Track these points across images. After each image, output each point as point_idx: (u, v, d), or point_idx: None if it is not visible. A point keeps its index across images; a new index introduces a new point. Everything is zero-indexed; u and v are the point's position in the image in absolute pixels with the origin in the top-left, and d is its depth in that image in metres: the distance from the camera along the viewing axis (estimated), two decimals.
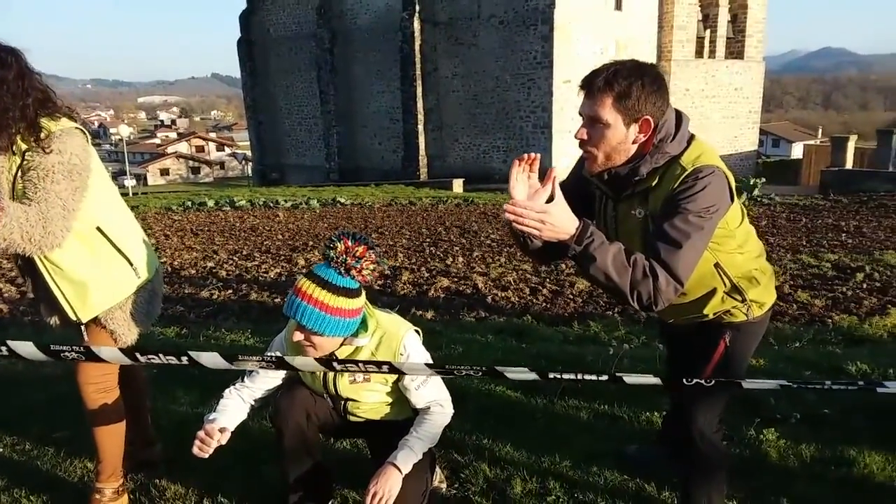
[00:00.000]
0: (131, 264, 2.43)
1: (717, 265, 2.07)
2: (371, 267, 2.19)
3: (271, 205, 16.93)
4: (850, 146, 20.27)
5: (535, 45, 25.79)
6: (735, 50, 30.45)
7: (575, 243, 1.79)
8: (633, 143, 1.92)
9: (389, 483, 2.24)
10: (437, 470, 2.78)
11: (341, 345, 2.25)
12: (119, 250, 2.39)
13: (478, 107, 28.05)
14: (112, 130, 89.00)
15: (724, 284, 2.10)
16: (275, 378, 2.41)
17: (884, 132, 20.92)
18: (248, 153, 45.03)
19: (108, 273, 2.38)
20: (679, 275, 1.83)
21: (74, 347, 2.19)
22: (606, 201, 2.11)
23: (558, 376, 2.05)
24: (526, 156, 1.85)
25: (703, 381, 1.97)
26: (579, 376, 2.04)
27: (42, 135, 2.14)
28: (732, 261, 2.09)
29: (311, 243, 10.44)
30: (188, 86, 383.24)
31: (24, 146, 2.15)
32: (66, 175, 2.16)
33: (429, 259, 8.69)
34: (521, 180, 1.84)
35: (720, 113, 29.98)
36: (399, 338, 2.30)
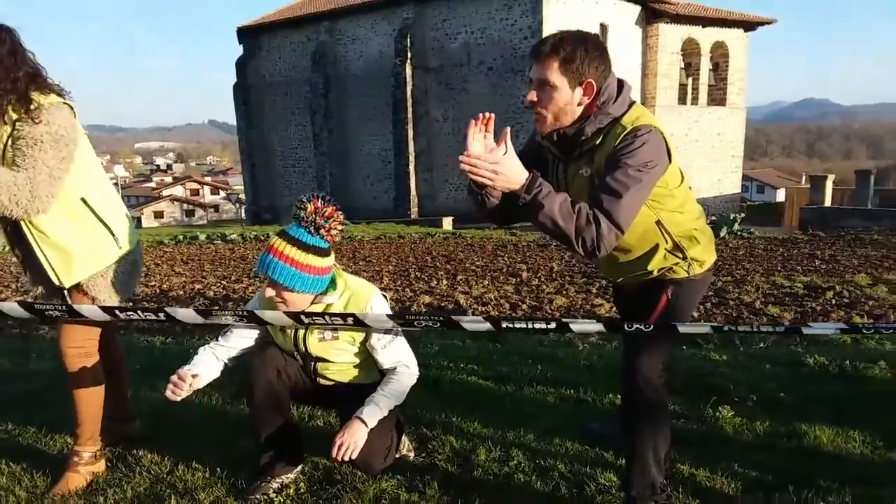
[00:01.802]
0: (113, 235, 2.58)
1: (658, 223, 2.24)
2: (339, 227, 2.36)
3: (262, 238, 17.08)
4: (829, 185, 20.74)
5: (522, 90, 26.42)
6: (717, 97, 31.27)
7: (525, 192, 1.97)
8: (579, 104, 2.11)
9: (355, 436, 2.36)
10: (406, 440, 2.89)
11: (312, 303, 2.40)
12: (102, 221, 2.55)
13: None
14: (109, 175, 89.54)
15: (666, 242, 2.27)
16: (248, 338, 2.55)
17: (862, 172, 21.46)
18: (242, 195, 45.36)
19: (91, 242, 2.53)
20: (619, 222, 2.01)
21: (57, 305, 2.36)
22: (557, 164, 2.30)
23: (511, 325, 2.22)
24: (481, 115, 2.03)
25: (642, 327, 2.14)
26: (530, 325, 2.21)
27: (32, 106, 2.32)
28: (673, 219, 2.26)
29: None
30: (185, 132, 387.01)
31: (14, 116, 2.32)
32: (54, 144, 2.33)
33: (413, 282, 8.84)
34: (478, 139, 2.02)
35: (703, 157, 30.61)
36: (367, 297, 2.45)
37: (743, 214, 15.89)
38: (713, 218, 15.71)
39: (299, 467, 2.66)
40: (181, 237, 18.26)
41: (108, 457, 2.84)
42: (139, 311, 2.37)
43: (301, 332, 2.46)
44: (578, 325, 2.20)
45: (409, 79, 29.13)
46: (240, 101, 37.77)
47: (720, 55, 30.84)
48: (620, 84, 2.18)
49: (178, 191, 76.58)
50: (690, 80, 30.69)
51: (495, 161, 1.95)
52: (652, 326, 2.14)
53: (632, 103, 2.18)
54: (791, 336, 3.53)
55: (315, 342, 2.47)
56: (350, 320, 2.29)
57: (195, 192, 77.71)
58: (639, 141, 2.05)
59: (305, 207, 2.32)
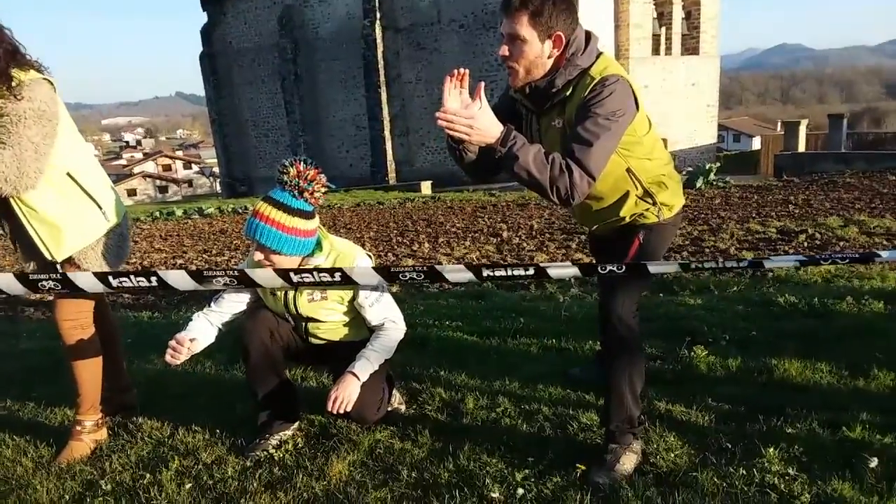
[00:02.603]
0: (100, 208, 2.63)
1: (628, 170, 2.33)
2: (322, 190, 2.43)
3: (240, 210, 17.00)
4: (802, 131, 21.00)
5: (495, 47, 26.14)
6: (690, 46, 31.22)
7: (500, 146, 2.05)
8: (549, 57, 2.18)
9: (349, 389, 2.47)
10: (397, 394, 3.02)
11: (299, 265, 2.48)
12: (89, 195, 2.59)
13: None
14: None
15: (636, 188, 2.37)
16: (240, 302, 2.63)
17: (835, 116, 21.73)
18: (216, 168, 44.81)
19: (79, 215, 2.57)
20: (591, 170, 2.09)
21: (51, 276, 2.41)
22: (531, 117, 2.37)
23: (492, 273, 2.32)
24: (456, 71, 2.09)
25: (614, 268, 2.25)
26: (509, 271, 2.31)
27: (13, 83, 2.34)
28: (642, 166, 2.35)
29: None
30: (152, 106, 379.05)
31: None
32: (37, 120, 2.36)
33: (395, 247, 8.92)
34: (454, 95, 2.08)
35: (678, 108, 30.67)
36: (352, 257, 2.53)
37: (718, 164, 16.08)
38: (689, 169, 15.87)
39: (296, 424, 2.78)
40: (157, 214, 18.12)
41: (109, 425, 2.93)
42: (131, 277, 2.43)
43: (291, 294, 2.55)
44: (555, 270, 2.30)
45: (379, 40, 28.70)
46: (207, 70, 37.01)
47: (692, 3, 30.71)
48: (588, 36, 2.24)
49: (150, 167, 75.28)
50: (663, 29, 30.58)
51: (470, 116, 2.03)
52: (624, 267, 2.24)
53: (599, 54, 2.24)
54: (755, 271, 3.67)
55: (305, 303, 2.56)
56: (338, 276, 2.37)
57: (167, 168, 76.45)
58: (607, 90, 2.12)
59: (288, 171, 2.38)
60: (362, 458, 2.55)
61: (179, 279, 2.37)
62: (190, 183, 70.31)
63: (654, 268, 2.26)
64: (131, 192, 66.22)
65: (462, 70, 2.09)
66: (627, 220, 2.43)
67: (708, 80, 31.84)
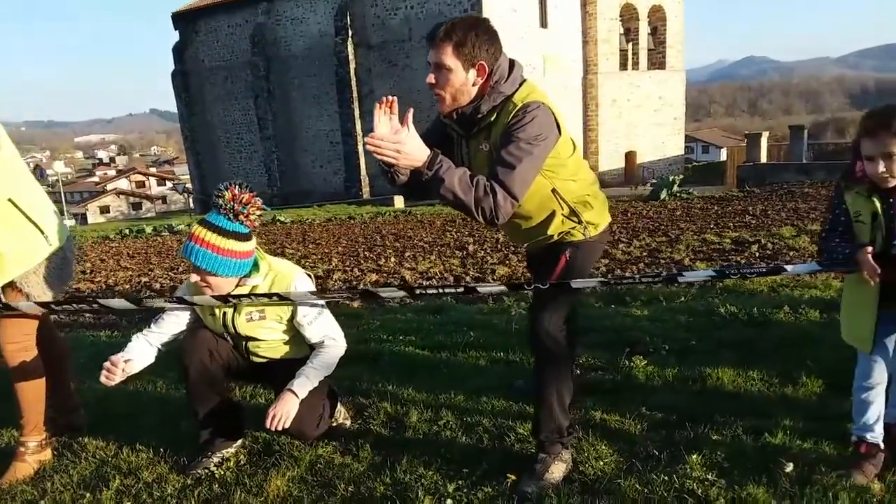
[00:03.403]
0: (42, 233, 2.67)
1: (554, 191, 2.44)
2: (258, 213, 2.50)
3: None
4: (764, 142, 21.50)
5: None
6: (657, 61, 31.87)
7: (427, 169, 2.15)
8: (473, 85, 2.28)
9: (287, 406, 2.53)
10: (342, 409, 3.08)
11: (237, 286, 2.54)
12: (31, 220, 2.63)
13: (415, 124, 28.50)
14: (49, 171, 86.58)
15: (562, 208, 2.47)
16: (179, 323, 2.68)
17: (795, 128, 22.26)
18: (189, 185, 44.52)
19: (21, 241, 2.61)
20: (514, 191, 2.19)
21: None
22: (461, 141, 2.47)
23: (423, 291, 2.41)
24: (384, 99, 2.19)
25: (539, 285, 2.35)
26: (441, 290, 2.40)
27: None
28: (567, 187, 2.46)
29: None
30: (126, 123, 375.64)
31: None
32: None
33: (362, 261, 8.98)
34: (384, 121, 2.18)
35: (646, 121, 31.26)
36: (291, 277, 2.60)
37: (682, 176, 16.41)
38: (654, 181, 16.15)
39: (240, 441, 2.82)
40: (127, 231, 17.97)
41: (54, 445, 2.95)
42: (73, 304, 2.48)
43: (229, 313, 2.60)
44: (484, 288, 2.40)
45: (351, 57, 28.89)
46: (179, 88, 36.93)
47: (658, 19, 31.37)
48: (512, 64, 2.35)
49: (123, 184, 74.55)
50: (630, 45, 31.21)
51: (398, 141, 2.12)
52: (548, 284, 2.34)
53: (523, 81, 2.35)
54: (670, 284, 3.80)
55: (243, 323, 2.61)
56: (275, 298, 2.44)
57: (141, 185, 75.75)
58: (528, 116, 2.23)
59: (223, 195, 2.45)
60: (302, 473, 2.61)
61: (119, 304, 2.43)
62: (164, 199, 69.70)
63: (577, 283, 2.36)
64: (104, 210, 65.47)
65: (390, 98, 2.18)
66: (555, 238, 2.53)
67: (674, 93, 32.49)
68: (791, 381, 3.16)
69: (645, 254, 7.68)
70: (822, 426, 2.65)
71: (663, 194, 14.25)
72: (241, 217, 2.46)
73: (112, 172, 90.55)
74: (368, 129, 27.31)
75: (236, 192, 2.45)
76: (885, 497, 2.16)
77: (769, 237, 7.89)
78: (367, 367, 3.77)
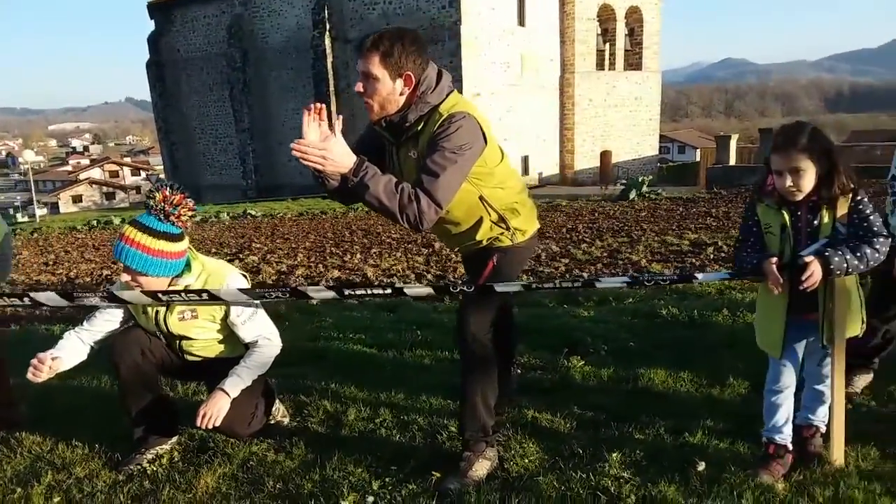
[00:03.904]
0: None
1: (481, 198, 2.50)
2: (189, 214, 2.53)
3: None
4: (733, 144, 21.82)
5: (443, 59, 26.51)
6: (634, 61, 32.14)
7: (353, 176, 2.19)
8: (401, 94, 2.33)
9: (218, 405, 2.57)
10: (280, 407, 3.12)
11: (169, 285, 2.57)
12: None
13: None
14: (20, 159, 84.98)
15: (490, 215, 2.54)
16: (112, 321, 2.70)
17: (766, 130, 22.63)
18: (163, 176, 44.07)
19: None
20: (438, 199, 2.25)
21: None
22: (391, 148, 2.52)
23: (352, 292, 2.46)
24: (313, 106, 2.23)
25: (464, 287, 2.41)
26: (369, 291, 2.45)
27: None
28: (495, 194, 2.52)
29: (213, 250, 10.55)
30: (101, 111, 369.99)
31: None
32: None
33: (328, 257, 9.00)
34: (313, 127, 2.22)
35: (622, 121, 31.54)
36: (223, 277, 2.63)
37: (650, 177, 16.64)
38: (624, 182, 16.33)
39: (174, 438, 2.85)
40: (95, 222, 17.76)
41: None
42: (4, 297, 2.49)
43: (161, 312, 2.63)
44: (411, 290, 2.45)
45: (328, 51, 28.77)
46: (154, 78, 36.53)
47: (635, 20, 31.62)
48: (439, 74, 2.41)
49: (97, 173, 73.41)
50: (607, 45, 31.43)
51: (324, 148, 2.16)
52: (473, 287, 2.41)
53: (450, 91, 2.41)
54: (585, 289, 3.90)
55: (175, 321, 2.64)
56: (205, 296, 2.47)
57: (115, 175, 74.64)
58: (454, 126, 2.28)
59: (155, 196, 2.48)
60: (234, 470, 2.65)
61: (50, 299, 2.45)
62: (138, 190, 68.72)
63: (500, 288, 2.42)
64: (77, 199, 64.42)
65: (319, 104, 2.23)
66: (484, 243, 2.60)
67: (650, 94, 32.80)
68: (719, 381, 3.27)
69: (605, 254, 7.80)
70: (740, 427, 2.75)
71: (632, 195, 14.43)
72: (173, 218, 2.49)
73: (86, 161, 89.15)
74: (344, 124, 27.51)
75: (167, 193, 2.48)
76: (787, 496, 2.26)
77: (726, 239, 8.05)
78: (313, 364, 3.82)
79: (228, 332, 2.74)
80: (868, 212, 2.20)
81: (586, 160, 31.10)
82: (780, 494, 2.27)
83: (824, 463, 2.44)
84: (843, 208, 2.21)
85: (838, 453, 2.44)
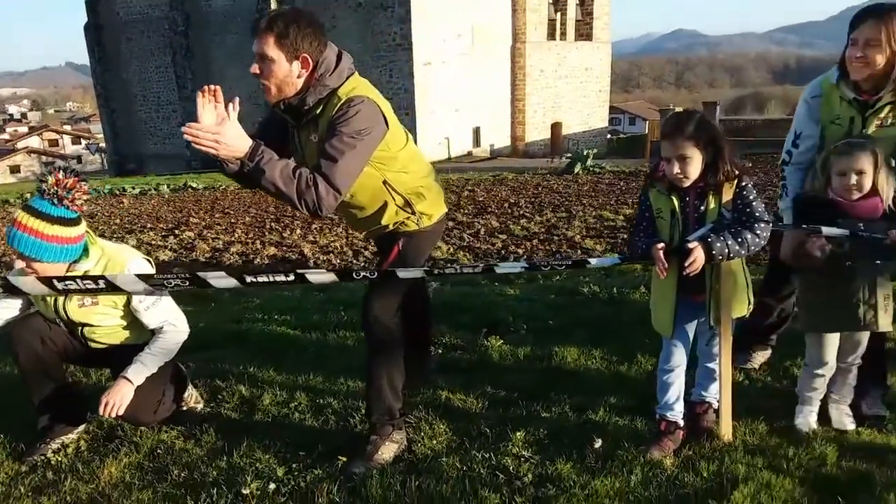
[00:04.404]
0: None
1: (385, 182, 2.50)
2: (84, 197, 2.46)
3: (117, 192, 16.32)
4: None
5: (393, 27, 26.14)
6: (584, 32, 32.22)
7: (248, 160, 2.16)
8: (298, 77, 2.30)
9: (121, 393, 2.54)
10: (194, 392, 3.10)
11: (67, 271, 2.51)
12: None
13: None
14: None
15: (395, 199, 2.54)
16: (10, 308, 2.63)
17: (709, 104, 23.07)
18: (104, 145, 42.54)
19: None
20: (337, 184, 2.24)
21: None
22: (293, 131, 2.49)
23: (255, 279, 2.44)
24: (207, 88, 2.18)
25: (367, 273, 2.42)
26: (271, 277, 2.44)
27: None
28: (399, 179, 2.53)
29: (149, 225, 10.29)
30: (40, 77, 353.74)
31: None
32: None
33: (267, 233, 8.87)
34: (209, 109, 2.17)
35: (573, 92, 31.70)
36: (123, 262, 2.58)
37: (596, 150, 16.84)
38: (569, 156, 16.48)
39: (81, 427, 2.81)
40: (29, 195, 17.06)
41: None
42: None
43: (60, 299, 2.57)
44: (314, 276, 2.43)
45: None
46: (93, 42, 35.05)
47: None
48: (339, 57, 2.38)
49: (35, 142, 70.30)
50: (559, 15, 31.37)
51: (216, 132, 2.12)
52: (375, 273, 2.42)
53: (350, 74, 2.39)
54: (486, 275, 3.98)
55: (75, 308, 2.59)
56: (102, 283, 2.42)
57: (54, 143, 71.62)
58: (352, 110, 2.27)
59: (47, 180, 2.40)
60: (140, 459, 2.63)
61: None
62: (79, 159, 66.18)
63: (402, 273, 2.44)
64: (14, 169, 61.68)
65: (213, 86, 2.18)
66: (391, 227, 2.61)
67: (600, 65, 33.00)
68: (628, 359, 3.38)
69: (543, 230, 7.90)
70: (642, 403, 2.85)
71: (577, 168, 14.59)
72: (66, 202, 2.41)
73: (24, 129, 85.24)
74: None
75: (60, 176, 2.40)
76: (674, 471, 2.37)
77: None
78: (233, 348, 3.80)
79: (132, 319, 2.69)
80: (751, 198, 2.28)
81: (537, 132, 31.21)
82: (668, 469, 2.38)
83: (714, 438, 2.56)
84: (728, 194, 2.29)
85: (726, 429, 2.56)
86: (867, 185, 2.36)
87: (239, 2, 29.26)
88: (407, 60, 26.18)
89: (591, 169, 14.67)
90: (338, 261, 6.88)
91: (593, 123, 32.91)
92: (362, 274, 2.44)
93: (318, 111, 2.35)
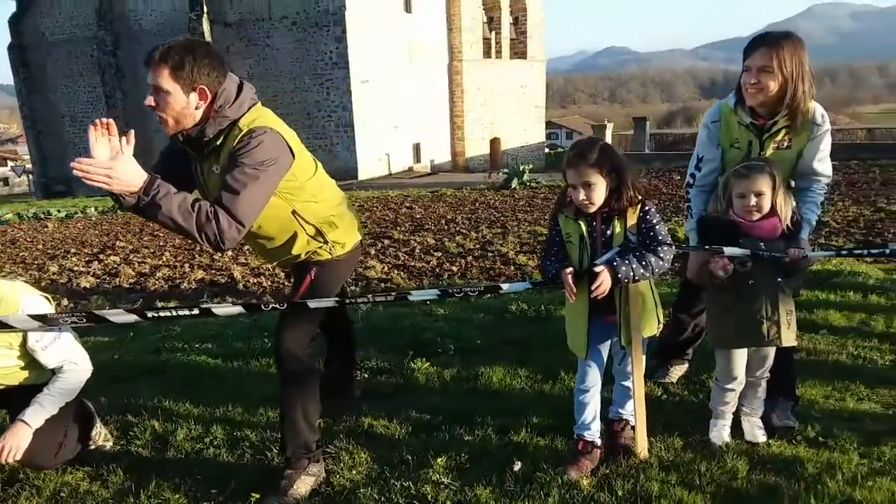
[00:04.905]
0: None
1: (294, 213, 2.45)
2: None
3: (42, 216, 15.64)
4: (608, 133, 22.86)
5: (329, 45, 26.01)
6: (519, 50, 32.79)
7: (143, 194, 2.08)
8: (196, 108, 2.24)
9: (17, 437, 2.40)
10: (103, 430, 2.96)
11: None
12: None
13: (278, 107, 26.85)
14: None
15: (306, 229, 2.49)
16: None
17: (639, 119, 23.83)
18: (31, 167, 40.80)
19: None
20: (239, 216, 2.18)
21: None
22: (195, 162, 2.42)
23: (157, 314, 2.35)
24: (99, 121, 2.09)
25: (276, 305, 2.36)
26: (174, 312, 2.35)
27: None
28: (309, 209, 2.48)
29: (73, 250, 9.88)
30: None
31: None
32: None
33: (197, 255, 8.63)
34: (102, 143, 2.07)
35: (510, 109, 32.16)
36: (16, 301, 2.43)
37: (531, 165, 17.08)
38: (506, 171, 16.67)
39: None
40: None
41: None
42: None
43: None
44: (220, 310, 2.37)
45: (207, 34, 27.44)
46: (17, 62, 33.71)
47: (519, 9, 32.23)
48: (240, 87, 2.33)
49: None
50: (493, 34, 31.85)
51: (108, 166, 2.03)
52: (285, 304, 2.37)
53: (252, 105, 2.34)
54: (399, 303, 3.99)
55: None
56: None
57: None
58: (254, 141, 2.22)
59: None
60: (42, 503, 2.49)
61: None
62: (6, 181, 63.28)
63: (313, 304, 2.40)
64: None
65: (106, 119, 2.10)
66: (302, 257, 2.56)
67: (535, 82, 33.63)
68: (552, 376, 3.40)
69: (478, 246, 7.94)
70: (563, 422, 2.84)
71: (514, 183, 14.76)
72: None
73: None
74: None
75: None
76: (591, 492, 2.38)
77: None
78: (149, 380, 3.66)
79: (31, 359, 2.55)
80: (654, 221, 2.34)
81: (477, 147, 31.49)
82: (585, 490, 2.39)
83: (630, 455, 2.59)
84: (632, 219, 2.34)
85: (642, 446, 2.60)
86: (766, 206, 2.45)
87: (170, 21, 28.63)
88: (344, 78, 26.06)
89: (528, 184, 14.85)
90: (268, 283, 6.75)
91: (531, 138, 33.43)
92: (271, 305, 2.39)
93: (218, 142, 2.29)
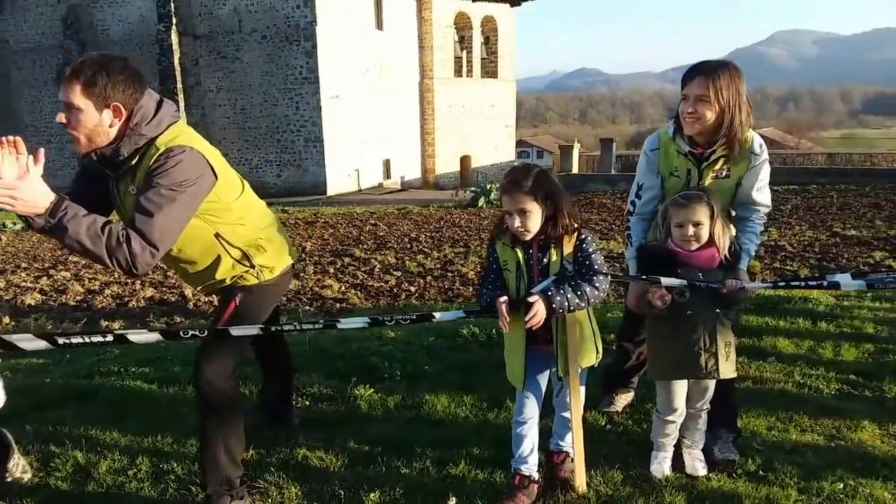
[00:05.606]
0: None
1: (217, 235, 2.34)
2: None
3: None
4: (576, 153, 23.03)
5: (299, 60, 25.91)
6: (490, 69, 33.04)
7: (49, 216, 1.96)
8: (110, 126, 2.13)
9: None
10: (20, 462, 2.78)
11: None
12: None
13: (247, 121, 27.52)
14: None
15: (230, 253, 2.38)
16: None
17: (605, 140, 24.07)
18: None
19: None
20: (154, 240, 2.07)
21: None
22: (112, 182, 2.31)
23: (68, 341, 2.21)
24: (6, 139, 1.98)
25: (197, 332, 2.25)
26: (87, 339, 2.22)
27: None
28: (234, 231, 2.38)
29: (23, 265, 9.57)
30: None
31: None
32: None
33: (150, 272, 8.39)
34: (9, 161, 1.96)
35: (480, 128, 32.35)
36: None
37: (497, 184, 17.15)
38: (473, 189, 16.67)
39: None
40: None
41: None
42: None
43: None
44: (136, 336, 2.24)
45: (175, 46, 27.18)
46: None
47: (490, 29, 32.51)
48: (159, 105, 2.23)
49: None
50: (465, 52, 32.06)
51: (11, 187, 1.92)
52: (206, 332, 2.26)
53: (172, 123, 2.24)
54: (326, 331, 3.92)
55: None
56: None
57: None
58: (172, 161, 2.12)
59: None
60: None
61: None
62: None
63: (236, 332, 2.29)
64: None
65: (13, 137, 1.99)
66: (228, 281, 2.45)
67: (506, 102, 33.89)
68: (497, 404, 3.32)
69: (438, 266, 7.87)
70: (504, 455, 2.75)
71: (481, 202, 14.75)
72: None
73: None
74: (196, 122, 25.64)
75: None
76: None
77: None
78: (78, 406, 3.48)
79: None
80: (591, 250, 2.28)
81: (447, 165, 31.55)
82: None
83: (569, 490, 2.52)
84: (569, 247, 2.29)
85: (580, 479, 2.52)
86: (704, 235, 2.42)
87: (137, 30, 28.30)
88: (314, 93, 25.95)
89: (495, 202, 14.86)
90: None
91: (502, 157, 33.59)
92: (191, 332, 2.27)
93: (133, 162, 2.18)
